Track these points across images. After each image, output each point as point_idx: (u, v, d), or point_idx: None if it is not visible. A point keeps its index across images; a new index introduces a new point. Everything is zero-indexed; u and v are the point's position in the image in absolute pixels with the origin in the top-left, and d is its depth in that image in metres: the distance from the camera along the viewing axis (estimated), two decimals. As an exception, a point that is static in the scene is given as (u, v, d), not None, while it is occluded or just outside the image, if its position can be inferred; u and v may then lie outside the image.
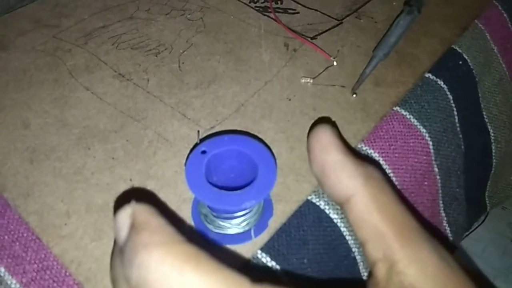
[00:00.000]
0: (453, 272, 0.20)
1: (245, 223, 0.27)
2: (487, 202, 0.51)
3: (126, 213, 0.18)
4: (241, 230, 0.27)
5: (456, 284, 0.20)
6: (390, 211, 0.21)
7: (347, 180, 0.23)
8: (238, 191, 0.24)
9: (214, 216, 0.27)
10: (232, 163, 0.27)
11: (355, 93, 0.36)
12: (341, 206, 0.23)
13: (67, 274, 0.27)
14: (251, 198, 0.24)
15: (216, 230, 0.27)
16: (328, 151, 0.24)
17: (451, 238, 0.42)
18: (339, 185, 0.23)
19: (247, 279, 0.16)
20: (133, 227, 0.17)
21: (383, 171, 0.31)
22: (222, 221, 0.27)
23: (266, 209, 0.29)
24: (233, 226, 0.27)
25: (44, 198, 0.30)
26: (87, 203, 0.30)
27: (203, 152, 0.26)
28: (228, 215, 0.27)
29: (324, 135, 0.25)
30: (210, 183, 0.25)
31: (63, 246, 0.28)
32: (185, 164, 0.28)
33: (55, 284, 0.27)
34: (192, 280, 0.15)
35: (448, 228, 0.41)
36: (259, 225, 0.28)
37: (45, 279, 0.27)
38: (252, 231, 0.27)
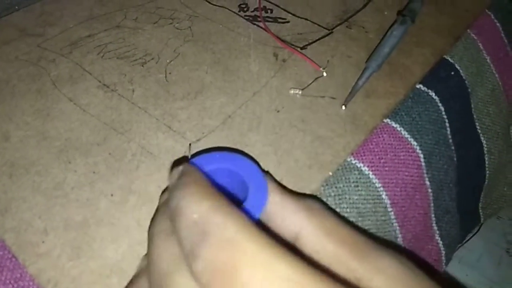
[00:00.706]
0: (417, 275, 0.19)
1: None
2: (481, 213, 0.50)
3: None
4: None
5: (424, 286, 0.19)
6: (339, 234, 0.21)
7: (291, 217, 0.22)
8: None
9: None
10: (223, 182, 0.26)
11: (344, 105, 0.36)
12: (294, 245, 0.23)
13: (43, 295, 0.26)
14: None
15: None
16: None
17: (443, 252, 0.41)
18: (285, 224, 0.23)
19: None
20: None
21: (322, 202, 0.30)
22: None
23: None
24: None
25: (22, 214, 0.29)
26: (65, 219, 0.29)
27: None
28: None
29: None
30: None
31: (40, 265, 0.27)
32: None
33: (30, 306, 0.26)
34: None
35: (441, 242, 0.40)
36: None
37: (20, 300, 0.26)
38: None
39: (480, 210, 0.50)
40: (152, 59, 0.40)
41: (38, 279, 0.26)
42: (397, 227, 0.34)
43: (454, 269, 0.76)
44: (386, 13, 0.46)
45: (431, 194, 0.37)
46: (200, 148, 0.33)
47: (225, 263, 0.16)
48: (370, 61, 0.38)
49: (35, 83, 0.38)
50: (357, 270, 0.19)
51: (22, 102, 0.36)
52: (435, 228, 0.39)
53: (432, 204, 0.38)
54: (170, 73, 0.39)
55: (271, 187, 0.24)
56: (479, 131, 0.44)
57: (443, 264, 0.42)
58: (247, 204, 0.23)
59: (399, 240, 0.35)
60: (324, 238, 0.21)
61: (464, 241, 0.59)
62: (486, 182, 0.47)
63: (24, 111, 0.35)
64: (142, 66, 0.40)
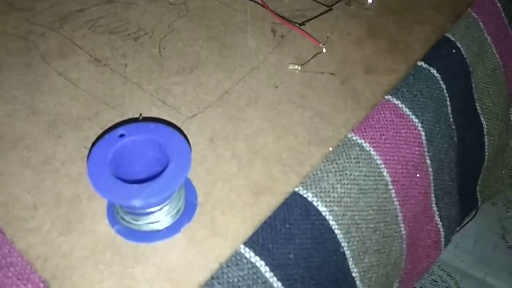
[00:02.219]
0: None
1: (169, 215, 0.25)
2: (478, 196, 0.49)
3: None
4: (170, 221, 0.25)
5: None
6: None
7: None
8: (143, 184, 0.22)
9: (137, 214, 0.25)
10: (155, 154, 0.25)
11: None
12: None
13: (32, 271, 0.25)
14: (154, 193, 0.22)
15: (146, 228, 0.25)
16: None
17: (442, 233, 0.40)
18: None
19: None
20: None
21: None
22: (144, 217, 0.25)
23: (189, 191, 0.27)
24: (160, 219, 0.25)
25: (10, 189, 0.28)
26: (56, 194, 0.27)
27: (121, 135, 0.24)
28: (144, 210, 0.24)
29: None
30: (120, 177, 0.23)
31: (29, 241, 0.25)
32: (93, 147, 0.25)
33: (19, 282, 0.24)
34: None
35: (440, 223, 0.40)
36: (187, 210, 0.26)
37: (8, 277, 0.25)
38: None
39: (478, 193, 0.49)
40: (146, 34, 0.39)
41: (27, 255, 0.25)
42: (398, 206, 0.33)
43: (450, 255, 0.75)
44: (386, -10, 0.45)
45: (431, 173, 0.36)
46: (195, 124, 0.31)
47: None
48: None
49: (24, 57, 0.36)
50: None
51: (10, 76, 0.35)
52: (435, 209, 0.39)
53: (432, 184, 0.37)
54: (164, 48, 0.38)
55: None
56: (479, 111, 0.43)
57: (442, 245, 0.41)
58: (166, 173, 0.23)
59: (400, 219, 0.34)
60: None
61: (462, 224, 0.59)
62: (485, 164, 0.46)
63: (12, 85, 0.34)
64: (135, 41, 0.38)
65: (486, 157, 0.46)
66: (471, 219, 0.69)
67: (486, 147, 0.45)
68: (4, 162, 0.29)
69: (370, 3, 0.43)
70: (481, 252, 0.77)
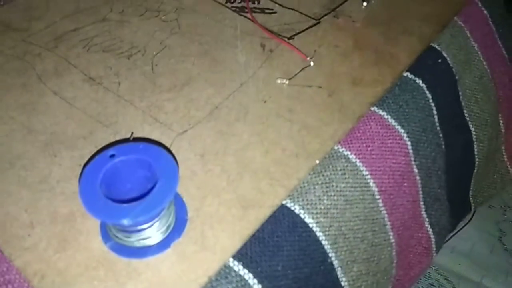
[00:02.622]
0: None
1: (159, 231, 0.26)
2: (472, 201, 0.50)
3: None
4: (161, 237, 0.26)
5: None
6: None
7: None
8: (131, 204, 0.23)
9: (128, 231, 0.26)
10: (145, 172, 0.26)
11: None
12: None
13: (30, 287, 0.26)
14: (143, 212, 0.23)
15: (138, 245, 0.26)
16: None
17: (433, 239, 0.41)
18: None
19: None
20: None
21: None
22: (135, 234, 0.26)
23: (179, 207, 0.28)
24: (151, 235, 0.26)
25: (7, 208, 0.29)
26: (52, 213, 0.28)
27: (112, 156, 0.25)
28: (137, 227, 0.25)
29: None
30: (112, 196, 0.24)
31: (26, 258, 0.26)
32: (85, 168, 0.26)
33: (16, 299, 0.25)
34: None
35: (431, 229, 0.41)
36: (177, 226, 0.27)
37: (6, 294, 0.26)
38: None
39: (471, 198, 0.50)
40: (138, 51, 0.40)
41: (24, 272, 0.26)
42: (386, 215, 0.34)
43: (447, 259, 0.76)
44: (373, 1, 0.46)
45: (419, 181, 0.37)
46: (186, 140, 0.33)
47: None
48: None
49: (21, 78, 0.37)
50: None
51: (7, 97, 0.36)
52: (425, 216, 0.40)
53: (420, 192, 0.38)
54: (156, 65, 0.39)
55: None
56: (468, 118, 0.44)
57: (434, 251, 0.42)
58: (153, 192, 0.24)
59: (388, 228, 0.35)
60: None
61: (456, 230, 0.59)
62: (475, 170, 0.47)
63: (9, 105, 0.35)
64: (128, 58, 0.39)
65: (477, 163, 0.47)
66: (467, 223, 0.70)
67: (475, 153, 0.46)
68: (1, 181, 0.30)
69: (365, 6, 0.44)
70: (478, 255, 0.77)
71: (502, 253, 0.77)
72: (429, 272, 0.74)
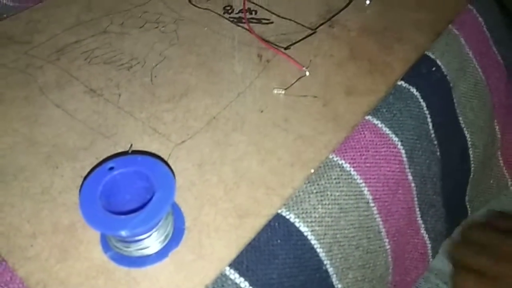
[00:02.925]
0: None
1: (158, 241, 0.27)
2: (468, 206, 0.51)
3: None
4: (159, 246, 0.27)
5: None
6: None
7: None
8: (129, 216, 0.24)
9: (127, 241, 0.27)
10: (143, 184, 0.27)
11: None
12: None
13: (32, 297, 0.26)
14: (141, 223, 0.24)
15: (136, 254, 0.27)
16: None
17: (429, 245, 0.42)
18: None
19: None
20: None
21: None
22: (134, 244, 0.27)
23: (177, 216, 0.29)
24: (150, 245, 0.27)
25: (11, 219, 0.30)
26: (53, 223, 0.29)
27: (111, 168, 0.26)
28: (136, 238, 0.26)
29: None
30: (112, 207, 0.25)
31: (29, 268, 0.27)
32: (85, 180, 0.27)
33: (20, 308, 0.26)
34: None
35: (426, 235, 0.41)
36: (175, 235, 0.28)
37: (10, 303, 0.26)
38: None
39: (467, 204, 0.50)
40: (138, 63, 0.41)
41: (27, 282, 0.27)
42: (380, 222, 0.35)
43: (443, 264, 0.76)
44: (368, 11, 0.46)
45: (414, 188, 0.38)
46: (184, 150, 0.33)
47: None
48: None
49: (23, 90, 0.38)
50: None
51: (10, 109, 0.37)
52: (420, 222, 0.40)
53: (415, 199, 0.38)
54: (155, 77, 0.40)
55: None
56: (463, 125, 0.44)
57: (430, 257, 0.42)
58: (150, 203, 0.24)
59: (383, 235, 0.35)
60: None
61: (453, 234, 0.60)
62: (471, 176, 0.48)
63: (12, 118, 0.36)
64: (128, 70, 0.40)
65: (472, 168, 0.47)
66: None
67: (471, 159, 0.46)
68: (5, 193, 0.31)
69: (368, 4, 0.45)
70: (477, 258, 0.77)
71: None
72: (428, 276, 0.74)
